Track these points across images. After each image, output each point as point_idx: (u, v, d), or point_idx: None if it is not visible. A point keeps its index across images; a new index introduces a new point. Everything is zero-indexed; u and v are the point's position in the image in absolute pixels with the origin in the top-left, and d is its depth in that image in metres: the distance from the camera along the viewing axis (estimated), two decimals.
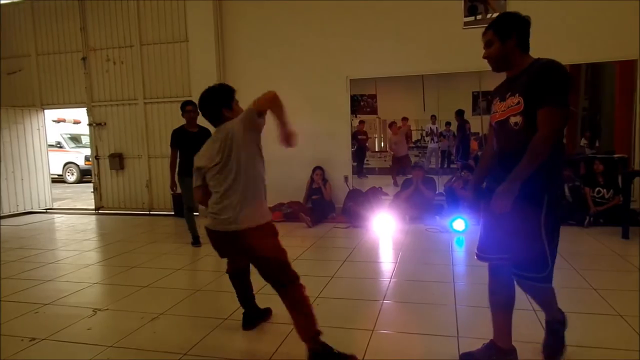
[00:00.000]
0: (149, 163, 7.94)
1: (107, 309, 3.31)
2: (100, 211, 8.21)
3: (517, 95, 2.08)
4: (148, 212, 7.89)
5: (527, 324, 2.74)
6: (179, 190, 5.30)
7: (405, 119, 6.94)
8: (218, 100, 2.51)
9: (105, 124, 8.13)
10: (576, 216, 5.61)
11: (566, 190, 5.87)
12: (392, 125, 6.96)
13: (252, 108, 2.32)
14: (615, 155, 6.06)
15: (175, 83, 7.65)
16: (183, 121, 5.31)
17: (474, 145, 6.79)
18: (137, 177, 8.04)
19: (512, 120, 2.10)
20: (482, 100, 6.41)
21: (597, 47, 5.89)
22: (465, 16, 6.27)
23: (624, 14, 5.79)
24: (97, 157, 8.27)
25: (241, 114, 2.42)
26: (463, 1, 6.26)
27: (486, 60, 2.23)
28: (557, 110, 1.98)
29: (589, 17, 5.89)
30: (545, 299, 2.28)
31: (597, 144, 6.27)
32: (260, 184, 2.46)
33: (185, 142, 5.20)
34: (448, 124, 6.80)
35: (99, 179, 8.29)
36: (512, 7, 6.01)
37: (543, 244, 2.06)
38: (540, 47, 6.81)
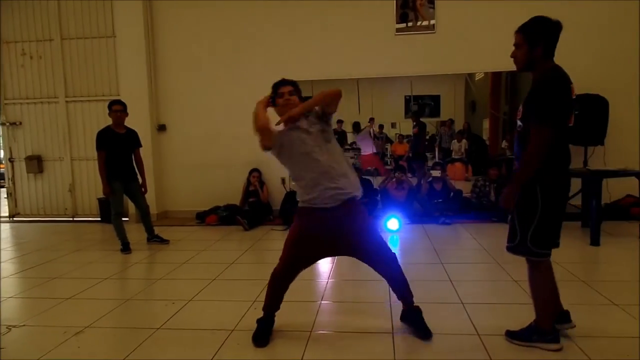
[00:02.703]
0: (72, 166, 7.42)
1: (24, 325, 3.03)
2: (15, 218, 7.55)
3: (523, 101, 2.20)
4: (71, 219, 7.37)
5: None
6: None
7: (340, 122, 7.05)
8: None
9: (20, 123, 7.49)
10: (499, 214, 6.00)
11: (491, 190, 6.27)
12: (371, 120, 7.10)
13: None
14: None
15: (101, 81, 7.21)
16: (109, 121, 5.03)
17: (404, 147, 7.06)
18: (59, 181, 7.49)
19: (518, 122, 2.27)
20: (414, 104, 6.68)
21: None
22: (397, 23, 6.49)
23: None
24: (11, 160, 7.59)
25: None
26: (395, 8, 6.48)
27: (512, 60, 2.32)
28: (541, 130, 2.05)
29: (507, 26, 6.31)
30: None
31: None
32: None
33: (112, 144, 4.92)
34: (381, 126, 7.03)
35: (13, 183, 7.61)
36: (441, 13, 6.33)
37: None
38: (464, 55, 7.10)
